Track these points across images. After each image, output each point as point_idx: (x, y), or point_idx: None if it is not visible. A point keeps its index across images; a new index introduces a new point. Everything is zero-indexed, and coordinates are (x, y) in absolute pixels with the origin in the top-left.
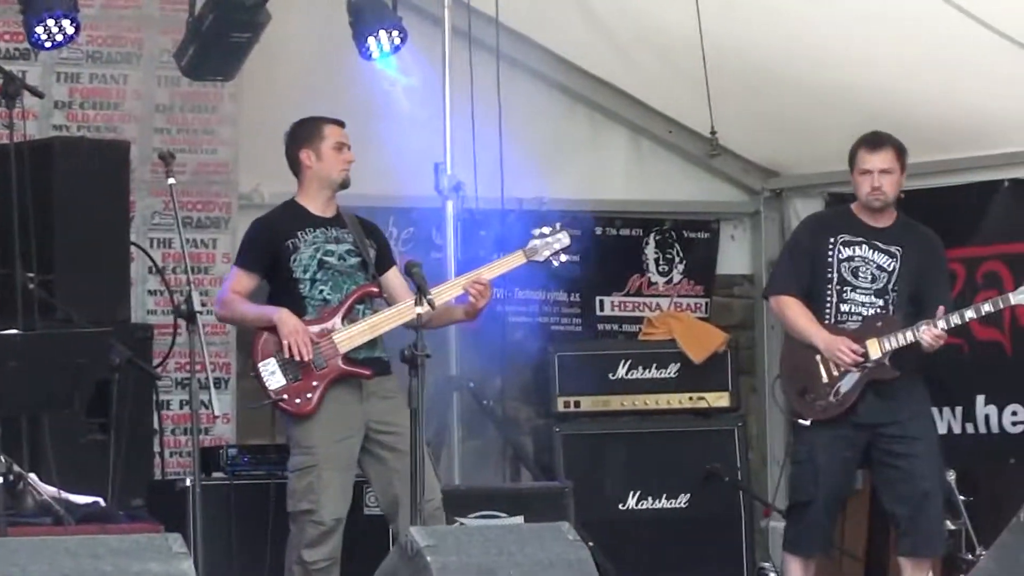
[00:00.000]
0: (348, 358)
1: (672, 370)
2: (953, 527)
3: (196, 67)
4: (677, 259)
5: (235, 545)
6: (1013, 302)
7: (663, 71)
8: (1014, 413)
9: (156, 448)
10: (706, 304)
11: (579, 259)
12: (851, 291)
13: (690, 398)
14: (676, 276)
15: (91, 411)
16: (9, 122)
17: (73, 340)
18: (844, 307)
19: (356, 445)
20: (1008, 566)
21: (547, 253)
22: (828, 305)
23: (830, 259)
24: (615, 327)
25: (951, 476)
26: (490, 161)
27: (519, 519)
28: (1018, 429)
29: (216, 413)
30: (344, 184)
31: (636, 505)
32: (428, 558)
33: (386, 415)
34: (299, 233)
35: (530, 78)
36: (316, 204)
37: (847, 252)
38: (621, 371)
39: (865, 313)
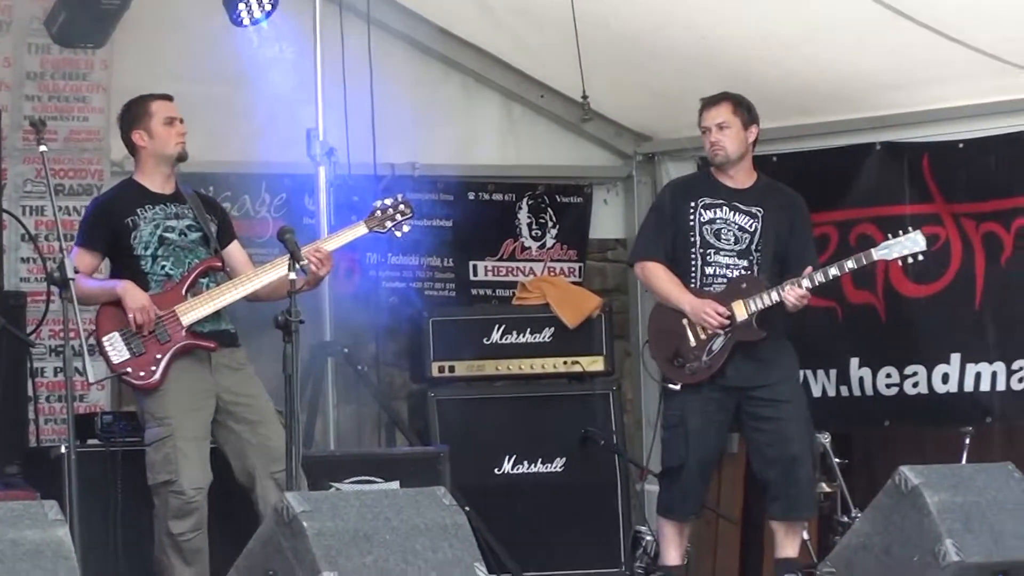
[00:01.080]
0: (192, 331)
1: (547, 334)
2: (828, 489)
3: (67, 34)
4: (550, 223)
5: (112, 512)
6: (876, 257)
7: (535, 37)
8: (888, 375)
9: (30, 415)
10: (580, 268)
11: (451, 224)
12: (714, 253)
13: (565, 362)
14: (549, 241)
15: None
16: None
17: None
18: (709, 270)
19: (209, 416)
20: (883, 528)
21: (389, 224)
22: (693, 269)
23: (692, 223)
24: (489, 292)
25: (826, 439)
26: (362, 127)
27: (395, 484)
28: (892, 391)
29: (90, 380)
30: (181, 157)
31: (512, 470)
32: (304, 523)
33: (237, 386)
34: (138, 211)
35: (402, 44)
36: (154, 182)
37: (708, 215)
38: (496, 336)
39: (730, 275)
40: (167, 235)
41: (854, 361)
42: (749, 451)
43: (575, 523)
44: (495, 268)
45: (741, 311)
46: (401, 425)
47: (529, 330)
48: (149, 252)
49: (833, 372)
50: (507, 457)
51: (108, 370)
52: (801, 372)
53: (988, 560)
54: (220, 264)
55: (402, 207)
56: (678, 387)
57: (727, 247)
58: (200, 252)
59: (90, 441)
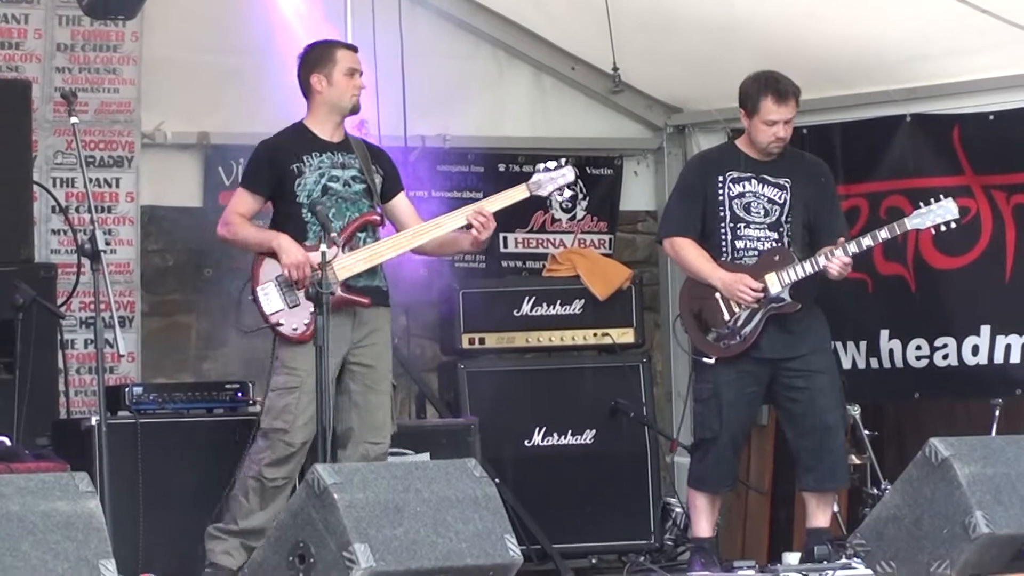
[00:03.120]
0: (347, 285)
1: (577, 306)
2: (858, 462)
3: (97, 6)
4: (581, 196)
5: (141, 484)
6: (909, 227)
7: (565, 9)
8: (918, 348)
9: (61, 388)
10: (610, 240)
11: (482, 196)
12: (744, 227)
13: (595, 334)
14: (580, 213)
15: None
16: None
17: None
18: (739, 243)
19: (336, 371)
20: (913, 500)
21: (551, 188)
22: (723, 243)
23: (720, 197)
24: (519, 264)
25: (856, 411)
26: (393, 99)
27: (425, 456)
28: (922, 364)
29: (121, 352)
30: (354, 109)
31: (542, 441)
32: (335, 495)
33: (369, 349)
34: (305, 157)
35: (433, 16)
36: (324, 129)
37: (737, 189)
38: (526, 308)
39: (761, 248)
40: (331, 184)
41: (884, 333)
42: (782, 422)
43: (605, 495)
44: (525, 240)
45: (775, 283)
46: (431, 397)
47: (559, 302)
48: (311, 201)
49: (863, 344)
50: (537, 429)
51: (261, 320)
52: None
53: (1018, 532)
54: (379, 219)
55: (565, 171)
56: (712, 361)
57: (757, 220)
58: (362, 204)
59: (120, 413)
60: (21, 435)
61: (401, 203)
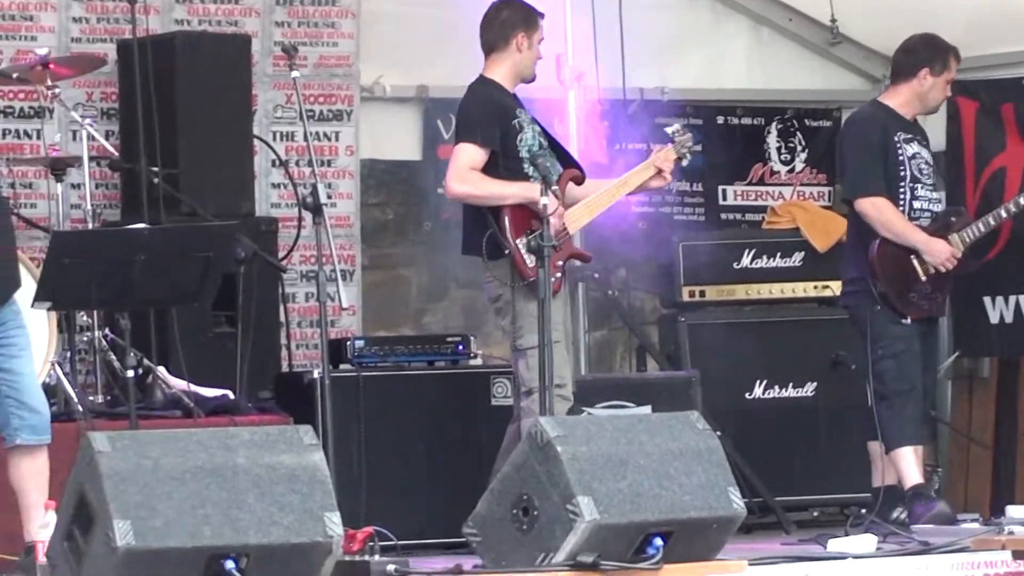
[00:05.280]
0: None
1: (797, 259)
2: None
3: None
4: (799, 147)
5: (363, 437)
6: None
7: None
8: None
9: (282, 341)
10: (829, 193)
11: (700, 149)
12: (920, 187)
13: (815, 287)
14: (799, 165)
15: (218, 305)
16: (131, 17)
17: (200, 233)
18: (916, 204)
19: None
20: None
21: (683, 151)
22: (902, 203)
23: (901, 157)
24: (739, 216)
25: None
26: (611, 52)
27: (647, 409)
28: None
29: (343, 305)
30: (532, 79)
31: (763, 394)
32: (558, 448)
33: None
34: (519, 112)
35: None
36: (511, 88)
37: (910, 149)
38: (746, 260)
39: (934, 209)
40: (543, 140)
41: None
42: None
43: (826, 448)
44: (744, 192)
45: (959, 244)
46: (652, 350)
47: (779, 254)
48: (532, 154)
49: (1012, 299)
50: (758, 382)
51: (524, 274)
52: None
53: None
54: (583, 176)
55: (688, 135)
56: (908, 321)
57: (927, 181)
58: (554, 161)
59: (341, 366)
60: (244, 388)
61: None
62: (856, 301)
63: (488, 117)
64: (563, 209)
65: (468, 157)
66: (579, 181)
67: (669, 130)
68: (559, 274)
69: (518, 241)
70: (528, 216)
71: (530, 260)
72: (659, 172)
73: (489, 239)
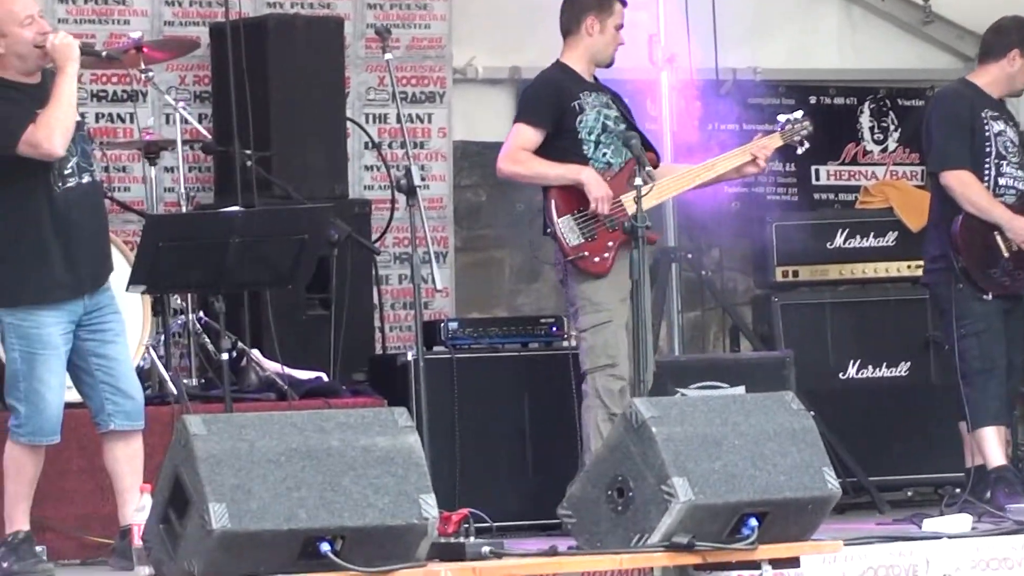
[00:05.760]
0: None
1: (890, 239)
2: None
3: None
4: (892, 127)
5: (457, 418)
6: None
7: None
8: None
9: (376, 323)
10: (922, 172)
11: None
12: (1005, 164)
13: (908, 266)
14: (892, 144)
15: (311, 287)
16: (224, 0)
17: (293, 216)
18: (1002, 181)
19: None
20: None
21: (796, 139)
22: (986, 179)
23: (987, 133)
24: (832, 196)
25: None
26: (703, 32)
27: (740, 389)
28: None
29: (437, 287)
30: (609, 63)
31: (856, 374)
32: (653, 429)
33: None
34: (581, 94)
35: None
36: (585, 72)
37: (997, 126)
38: (839, 240)
39: (1019, 187)
40: (607, 123)
41: None
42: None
43: (920, 428)
44: (837, 172)
45: None
46: (745, 330)
47: (873, 234)
48: (592, 137)
49: None
50: (851, 362)
51: (561, 254)
52: None
53: None
54: (657, 159)
55: (806, 123)
56: (990, 297)
57: (1013, 159)
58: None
59: (435, 348)
60: (338, 370)
61: None
62: (938, 279)
63: (545, 99)
64: (611, 192)
65: (522, 138)
66: (653, 165)
67: (781, 118)
68: (605, 254)
69: (558, 221)
70: (577, 197)
71: (570, 240)
72: (754, 159)
73: (544, 221)
